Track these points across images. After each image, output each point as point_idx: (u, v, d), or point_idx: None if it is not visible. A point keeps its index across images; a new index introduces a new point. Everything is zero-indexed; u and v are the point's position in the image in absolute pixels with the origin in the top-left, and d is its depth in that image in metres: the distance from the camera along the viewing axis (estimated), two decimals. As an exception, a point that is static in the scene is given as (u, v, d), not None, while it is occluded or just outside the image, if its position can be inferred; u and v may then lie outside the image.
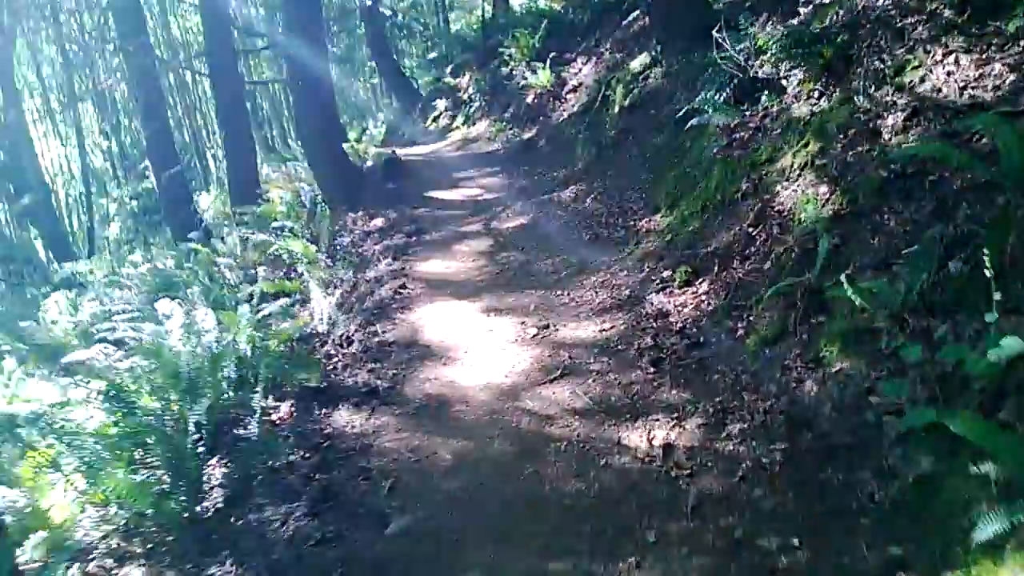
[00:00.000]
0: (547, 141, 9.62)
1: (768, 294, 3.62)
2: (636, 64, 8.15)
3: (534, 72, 11.44)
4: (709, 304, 4.16)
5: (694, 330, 4.05)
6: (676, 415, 3.35)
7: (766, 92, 5.01)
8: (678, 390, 3.55)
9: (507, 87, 12.76)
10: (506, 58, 13.04)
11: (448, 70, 16.91)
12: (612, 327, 4.36)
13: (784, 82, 4.92)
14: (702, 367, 3.69)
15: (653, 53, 7.93)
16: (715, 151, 5.09)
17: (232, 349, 4.43)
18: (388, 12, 20.65)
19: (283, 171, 15.02)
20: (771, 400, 3.19)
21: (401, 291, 5.68)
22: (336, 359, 4.89)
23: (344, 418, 4.08)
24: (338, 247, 8.20)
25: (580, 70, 11.12)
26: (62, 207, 22.57)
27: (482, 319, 4.91)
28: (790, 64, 4.86)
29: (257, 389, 3.91)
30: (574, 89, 10.81)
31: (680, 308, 4.31)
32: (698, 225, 4.81)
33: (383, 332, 5.08)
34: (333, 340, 5.17)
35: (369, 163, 12.37)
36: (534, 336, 4.49)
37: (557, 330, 4.49)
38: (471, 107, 13.98)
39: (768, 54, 5.15)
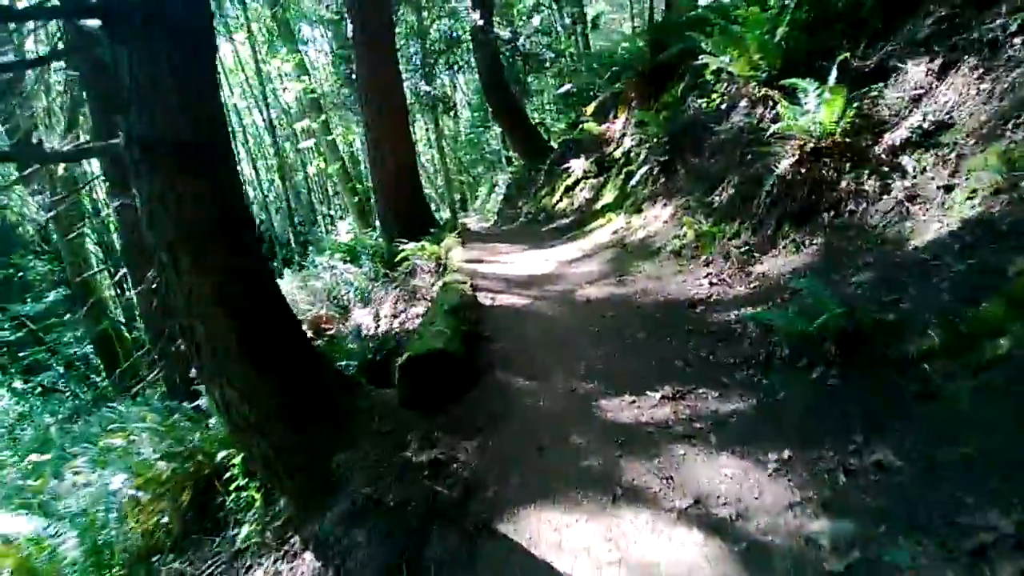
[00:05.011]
0: (915, 309, 2.85)
1: None
2: None
3: (795, 102, 4.74)
4: None
5: None
6: None
7: None
8: None
9: (712, 137, 6.10)
10: (708, 78, 6.42)
11: (589, 110, 10.55)
12: None
13: None
14: None
15: None
16: None
17: None
18: (507, 36, 14.76)
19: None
20: None
21: None
22: None
23: None
24: None
25: (930, 87, 4.28)
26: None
27: None
28: None
29: None
30: (925, 140, 4.00)
31: None
32: None
33: None
34: None
35: (442, 284, 6.19)
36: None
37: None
38: (633, 175, 7.44)
39: None
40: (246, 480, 3.79)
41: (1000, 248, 2.86)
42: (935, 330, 2.72)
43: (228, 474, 3.91)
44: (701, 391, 3.39)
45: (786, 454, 2.70)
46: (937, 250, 3.19)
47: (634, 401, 3.47)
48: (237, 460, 3.82)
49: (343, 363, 5.58)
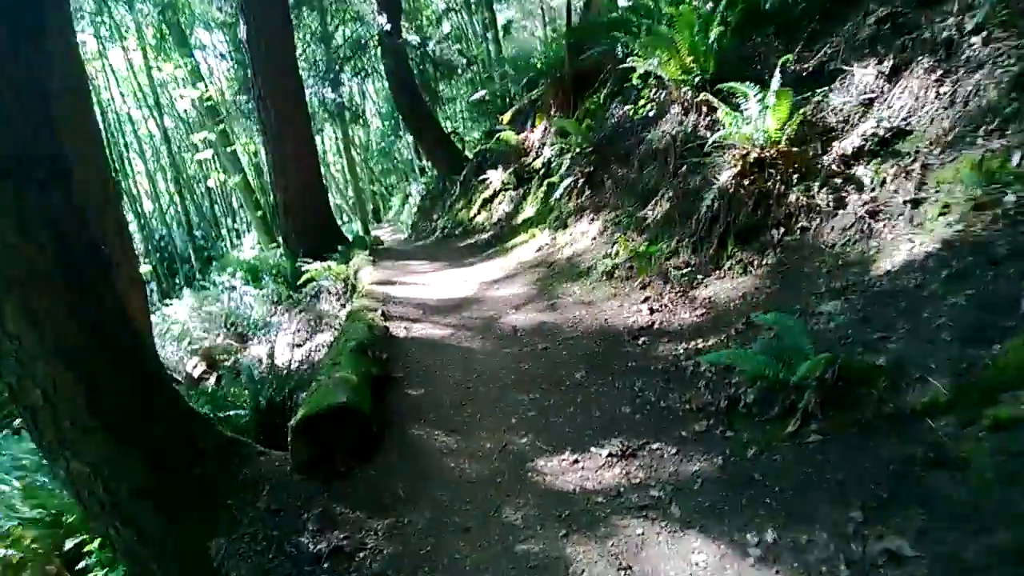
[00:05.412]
0: (910, 351, 2.40)
1: None
2: None
3: (736, 109, 4.32)
4: None
5: None
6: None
7: None
8: None
9: (642, 147, 5.66)
10: (634, 83, 5.98)
11: (505, 119, 10.02)
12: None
13: None
14: None
15: None
16: None
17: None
18: (415, 41, 14.07)
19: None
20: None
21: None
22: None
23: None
24: None
25: (881, 91, 3.95)
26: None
27: None
28: None
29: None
30: (882, 149, 3.64)
31: None
32: None
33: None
34: None
35: (348, 312, 5.43)
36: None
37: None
38: (556, 187, 6.91)
39: None
40: (106, 571, 2.98)
41: (1001, 276, 2.45)
42: (939, 379, 2.27)
43: (83, 563, 3.09)
44: (655, 446, 2.84)
45: (769, 535, 2.17)
46: (920, 276, 2.77)
47: (576, 460, 2.88)
48: (93, 546, 3.01)
49: (231, 412, 4.73)
